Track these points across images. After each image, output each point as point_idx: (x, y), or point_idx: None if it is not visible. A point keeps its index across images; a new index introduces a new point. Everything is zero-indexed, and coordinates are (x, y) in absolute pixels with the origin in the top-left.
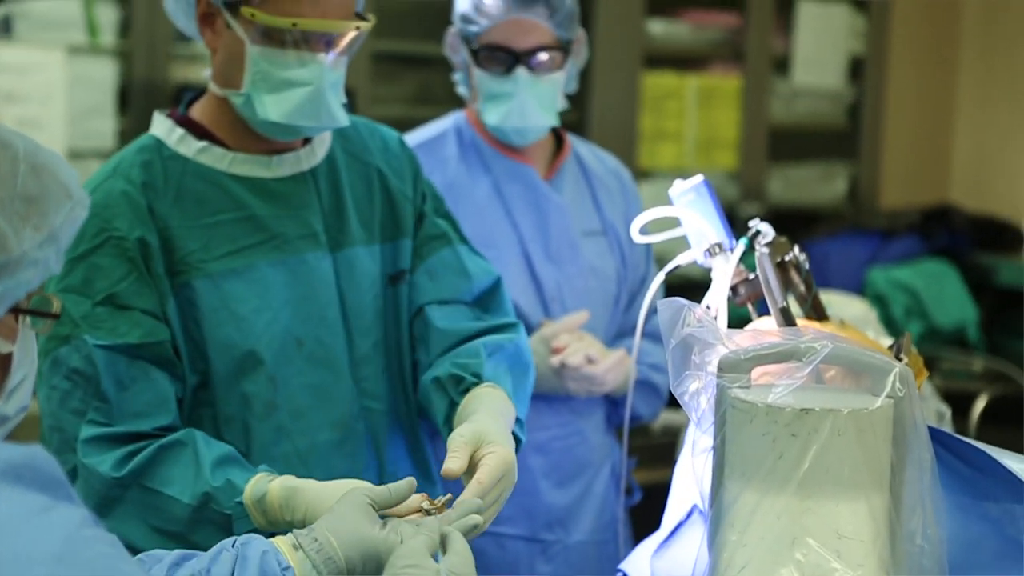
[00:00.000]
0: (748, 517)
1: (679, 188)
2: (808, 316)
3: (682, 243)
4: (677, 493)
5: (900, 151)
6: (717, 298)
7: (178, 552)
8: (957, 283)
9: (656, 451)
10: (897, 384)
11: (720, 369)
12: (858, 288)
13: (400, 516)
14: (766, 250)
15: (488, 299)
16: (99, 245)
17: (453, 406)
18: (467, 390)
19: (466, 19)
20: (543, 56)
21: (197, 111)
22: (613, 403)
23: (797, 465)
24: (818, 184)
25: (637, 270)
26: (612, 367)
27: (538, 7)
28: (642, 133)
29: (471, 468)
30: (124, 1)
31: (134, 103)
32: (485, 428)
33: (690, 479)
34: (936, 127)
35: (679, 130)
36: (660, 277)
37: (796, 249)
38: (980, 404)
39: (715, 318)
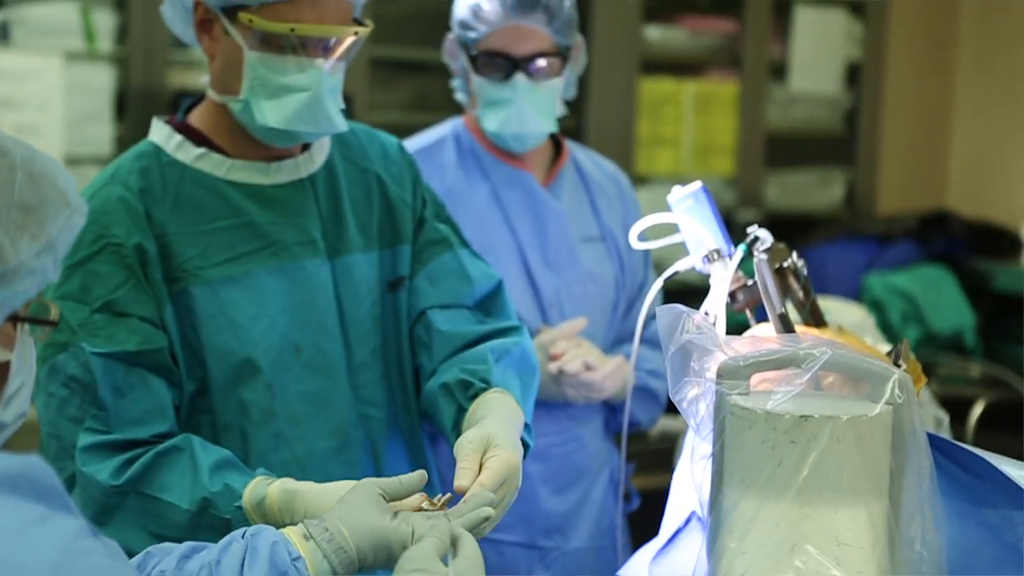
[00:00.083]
0: (747, 524)
1: (678, 194)
2: (806, 322)
3: (680, 249)
4: (675, 499)
5: (897, 157)
6: (716, 304)
7: (188, 544)
8: (954, 289)
9: (654, 457)
10: (896, 391)
11: (719, 376)
12: (855, 294)
13: None
14: (764, 256)
15: (490, 303)
16: (97, 252)
17: (461, 412)
18: (476, 395)
19: (465, 25)
20: (542, 62)
21: (196, 118)
22: (611, 409)
23: (796, 472)
24: (815, 190)
25: (635, 276)
26: (610, 374)
27: (537, 13)
28: (639, 139)
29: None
30: (121, 7)
31: (131, 109)
32: (493, 432)
33: (688, 485)
34: (933, 133)
35: (676, 136)
36: (659, 283)
37: (794, 255)
38: (977, 410)
39: (714, 324)
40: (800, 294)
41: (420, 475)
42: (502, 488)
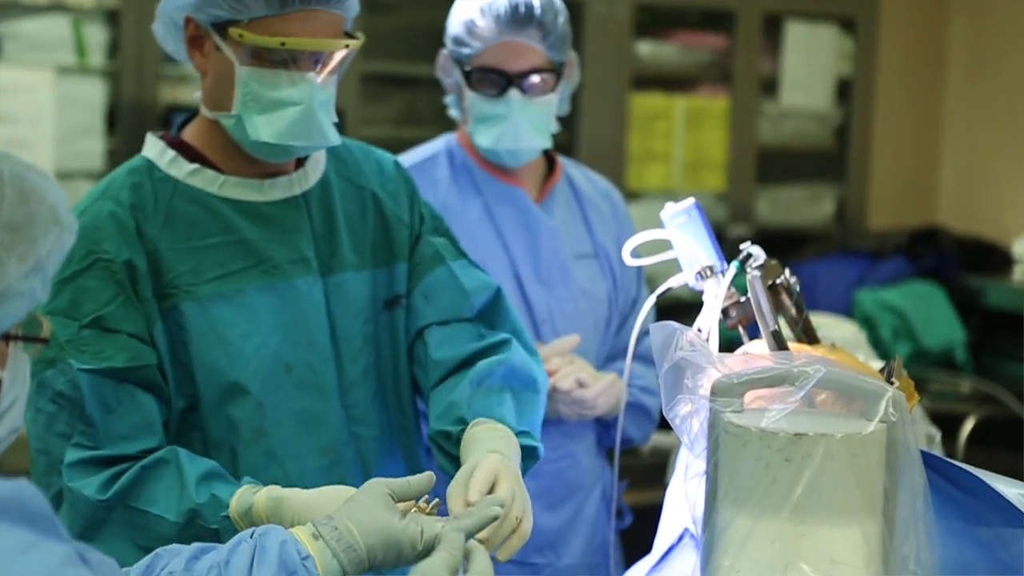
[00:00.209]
0: (742, 542)
1: (670, 211)
2: (799, 339)
3: (673, 265)
4: (668, 516)
5: (888, 172)
6: (709, 321)
7: (197, 545)
8: (945, 305)
9: (645, 472)
10: (890, 409)
11: (713, 393)
12: (846, 310)
13: None
14: (757, 273)
15: (491, 312)
16: (87, 267)
17: (454, 459)
18: (459, 439)
19: (459, 41)
20: (536, 78)
21: (189, 133)
22: (604, 426)
23: (791, 490)
24: (806, 205)
25: (628, 292)
26: (603, 391)
27: (531, 30)
28: (630, 154)
29: None
30: (113, 22)
31: (123, 124)
32: (473, 463)
33: (681, 502)
34: (924, 148)
35: (667, 151)
36: (651, 300)
37: (787, 272)
38: (968, 426)
39: (707, 341)
40: (793, 311)
41: (428, 476)
42: (501, 488)
